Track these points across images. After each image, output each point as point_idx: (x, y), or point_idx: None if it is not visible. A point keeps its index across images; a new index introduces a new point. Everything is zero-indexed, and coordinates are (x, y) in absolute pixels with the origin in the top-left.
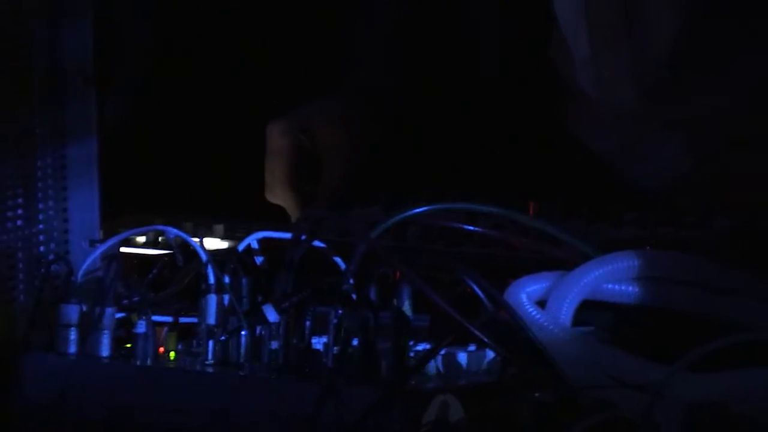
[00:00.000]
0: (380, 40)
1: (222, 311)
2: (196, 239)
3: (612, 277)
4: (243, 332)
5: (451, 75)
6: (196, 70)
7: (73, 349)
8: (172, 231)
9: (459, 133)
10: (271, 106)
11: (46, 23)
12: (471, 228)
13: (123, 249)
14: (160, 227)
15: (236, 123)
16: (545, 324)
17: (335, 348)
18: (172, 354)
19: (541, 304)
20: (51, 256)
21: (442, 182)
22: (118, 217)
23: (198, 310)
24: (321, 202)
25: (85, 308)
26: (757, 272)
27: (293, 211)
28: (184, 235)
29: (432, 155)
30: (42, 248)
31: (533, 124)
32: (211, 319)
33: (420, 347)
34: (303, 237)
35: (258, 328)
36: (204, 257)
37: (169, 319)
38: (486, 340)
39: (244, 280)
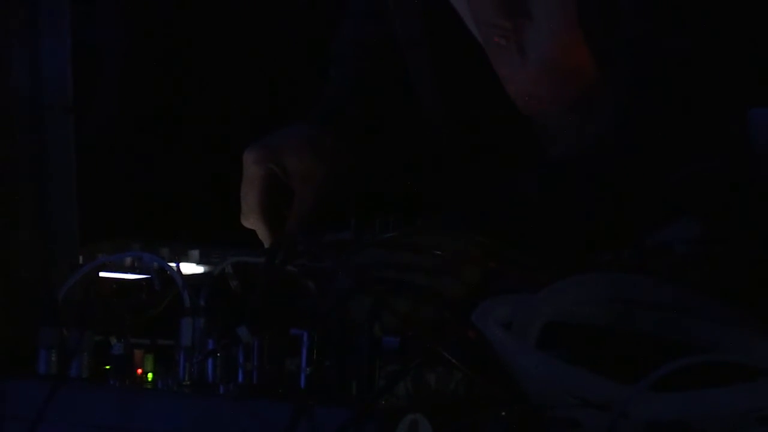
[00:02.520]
0: (350, 69)
1: (198, 333)
2: (173, 264)
3: (575, 300)
4: (218, 354)
5: (415, 102)
6: (175, 97)
7: (53, 370)
8: (150, 256)
9: (430, 158)
10: (247, 132)
11: (27, 56)
12: (438, 252)
13: (102, 273)
14: (138, 253)
15: (213, 149)
16: (511, 345)
17: (308, 369)
18: (149, 375)
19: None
20: (32, 281)
21: (412, 206)
22: (97, 242)
23: (174, 332)
24: (293, 227)
25: (65, 331)
26: (716, 295)
27: (265, 237)
28: (161, 261)
29: (401, 179)
30: (23, 273)
31: (501, 150)
32: (187, 341)
33: (390, 368)
34: (276, 261)
35: (233, 350)
36: (180, 281)
37: (146, 341)
38: (454, 361)
39: (218, 304)
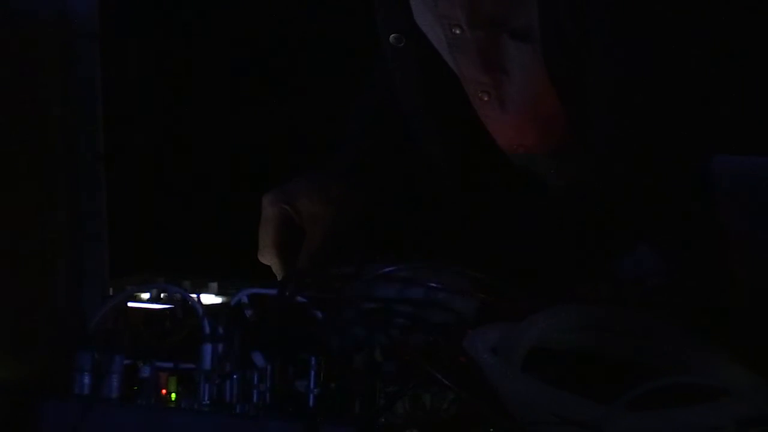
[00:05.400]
0: (362, 126)
1: (216, 358)
2: (194, 295)
3: (556, 327)
4: (235, 376)
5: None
6: (200, 142)
7: (86, 391)
8: (173, 288)
9: (426, 204)
10: (264, 178)
11: (61, 107)
12: (434, 285)
13: (130, 304)
14: (163, 285)
15: (231, 192)
16: (499, 368)
17: (316, 390)
18: (173, 395)
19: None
20: (67, 311)
21: (407, 245)
22: (125, 275)
23: (195, 357)
24: (303, 262)
25: (97, 356)
26: (684, 324)
27: (279, 271)
28: (183, 292)
29: (403, 219)
30: (59, 303)
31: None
32: (207, 365)
33: (390, 389)
34: (287, 293)
35: (248, 373)
36: (200, 311)
37: (170, 365)
38: (447, 382)
39: (235, 331)
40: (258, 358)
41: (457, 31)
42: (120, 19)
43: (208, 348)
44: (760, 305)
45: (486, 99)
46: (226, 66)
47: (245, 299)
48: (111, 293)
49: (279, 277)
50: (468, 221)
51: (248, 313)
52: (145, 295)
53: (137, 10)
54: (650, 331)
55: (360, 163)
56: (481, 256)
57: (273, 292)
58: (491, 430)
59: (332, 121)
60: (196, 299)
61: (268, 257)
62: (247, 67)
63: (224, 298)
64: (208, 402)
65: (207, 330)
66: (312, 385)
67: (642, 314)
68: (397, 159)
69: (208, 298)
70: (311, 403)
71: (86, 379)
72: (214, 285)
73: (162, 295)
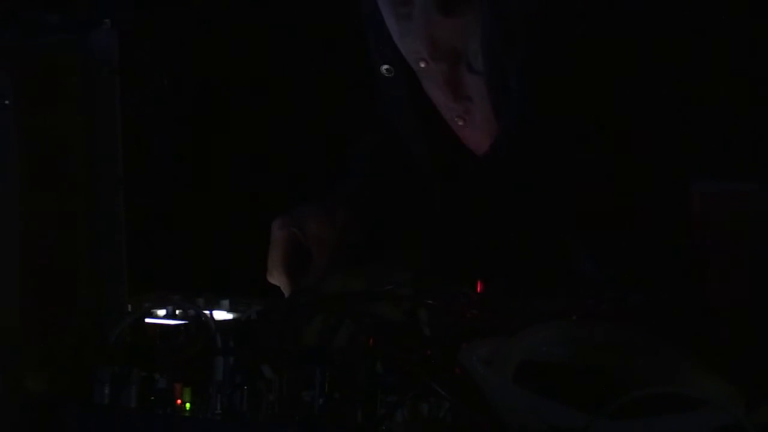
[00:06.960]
0: (365, 154)
1: (228, 370)
2: (207, 311)
3: (546, 341)
4: (245, 387)
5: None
6: (215, 170)
7: (106, 401)
8: (188, 305)
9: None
10: (273, 205)
11: (83, 133)
12: (430, 301)
13: (147, 319)
14: (178, 302)
15: (243, 217)
16: (492, 380)
17: (320, 400)
18: (187, 405)
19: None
20: (89, 326)
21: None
22: (143, 293)
23: (208, 369)
24: (309, 283)
25: (116, 368)
26: (664, 337)
27: (287, 290)
28: (197, 308)
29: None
30: (81, 320)
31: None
32: (219, 377)
33: (389, 399)
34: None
35: (257, 384)
36: (213, 326)
37: (185, 376)
38: (443, 393)
39: (245, 345)
40: (266, 370)
41: (422, 65)
42: (138, 53)
43: (220, 361)
44: (737, 321)
45: (461, 123)
46: (238, 93)
47: (255, 315)
48: (129, 310)
49: (286, 296)
50: (459, 236)
51: (258, 328)
52: (162, 312)
53: (153, 43)
54: (633, 344)
55: (364, 190)
56: (473, 265)
57: (281, 309)
58: None
59: (337, 149)
60: (209, 315)
61: (276, 277)
62: (257, 95)
63: (235, 314)
64: (220, 411)
65: (219, 344)
66: (317, 396)
67: (624, 328)
68: (398, 184)
69: (220, 314)
70: (316, 412)
71: (106, 390)
72: (226, 302)
73: (177, 312)
